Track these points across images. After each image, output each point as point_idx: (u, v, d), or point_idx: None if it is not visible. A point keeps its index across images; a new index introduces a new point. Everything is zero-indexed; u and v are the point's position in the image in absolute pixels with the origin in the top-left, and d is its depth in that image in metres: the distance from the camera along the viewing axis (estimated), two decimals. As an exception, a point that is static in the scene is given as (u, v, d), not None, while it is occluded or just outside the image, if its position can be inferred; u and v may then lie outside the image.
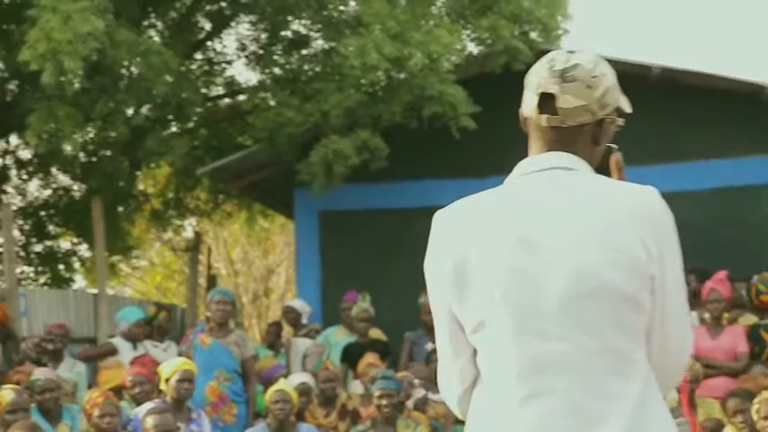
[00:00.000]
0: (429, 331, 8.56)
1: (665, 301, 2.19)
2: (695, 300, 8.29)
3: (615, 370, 2.15)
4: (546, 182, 2.24)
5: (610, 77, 2.30)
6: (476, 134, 9.76)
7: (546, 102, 2.26)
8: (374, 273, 10.46)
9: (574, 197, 2.20)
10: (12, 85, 11.65)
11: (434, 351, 7.11)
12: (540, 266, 2.16)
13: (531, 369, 2.16)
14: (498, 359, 2.20)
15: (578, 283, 2.14)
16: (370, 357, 8.34)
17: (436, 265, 2.28)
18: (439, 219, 2.31)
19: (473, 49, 10.83)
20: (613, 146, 2.36)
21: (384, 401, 7.15)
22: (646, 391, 2.16)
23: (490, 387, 2.23)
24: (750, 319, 8.12)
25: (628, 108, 2.36)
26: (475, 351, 2.27)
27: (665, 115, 10.60)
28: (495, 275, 2.18)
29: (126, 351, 8.50)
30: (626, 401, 2.13)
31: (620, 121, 2.35)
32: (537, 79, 2.29)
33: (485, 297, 2.19)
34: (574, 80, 2.25)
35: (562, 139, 2.28)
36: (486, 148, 10.06)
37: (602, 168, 2.33)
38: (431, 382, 7.42)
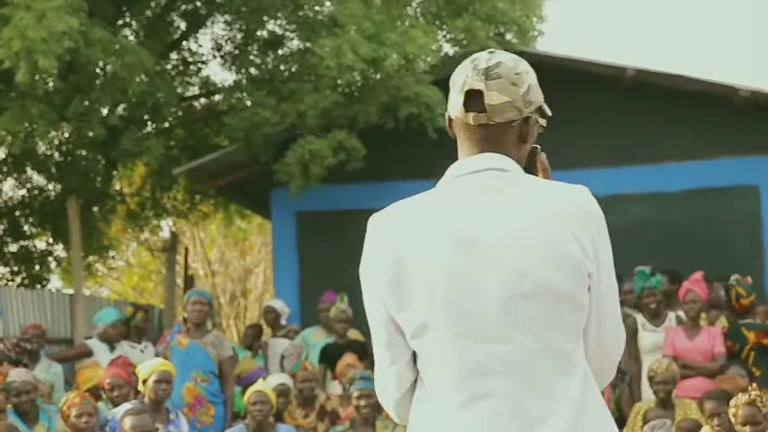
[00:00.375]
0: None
1: (600, 299, 2.23)
2: (668, 301, 8.34)
3: (555, 369, 2.16)
4: (480, 183, 2.25)
5: (531, 76, 2.33)
6: (452, 135, 9.79)
7: (472, 100, 2.28)
8: (352, 273, 10.37)
9: (509, 198, 2.22)
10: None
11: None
12: (478, 269, 2.17)
13: (471, 372, 2.16)
14: (439, 363, 2.20)
15: (517, 285, 2.15)
16: (348, 358, 8.35)
17: (373, 269, 2.26)
18: (374, 222, 2.30)
19: (449, 49, 10.87)
20: (537, 146, 2.38)
21: (363, 402, 7.16)
22: (585, 389, 2.19)
23: (432, 391, 2.22)
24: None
25: (548, 111, 2.38)
26: (413, 356, 2.27)
27: (638, 116, 10.67)
28: (433, 279, 2.18)
29: (102, 352, 8.46)
30: (566, 400, 2.15)
31: (543, 122, 2.37)
32: (462, 79, 2.30)
33: (423, 301, 2.19)
34: (498, 77, 2.27)
35: (490, 137, 2.29)
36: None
37: (529, 169, 2.34)
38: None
